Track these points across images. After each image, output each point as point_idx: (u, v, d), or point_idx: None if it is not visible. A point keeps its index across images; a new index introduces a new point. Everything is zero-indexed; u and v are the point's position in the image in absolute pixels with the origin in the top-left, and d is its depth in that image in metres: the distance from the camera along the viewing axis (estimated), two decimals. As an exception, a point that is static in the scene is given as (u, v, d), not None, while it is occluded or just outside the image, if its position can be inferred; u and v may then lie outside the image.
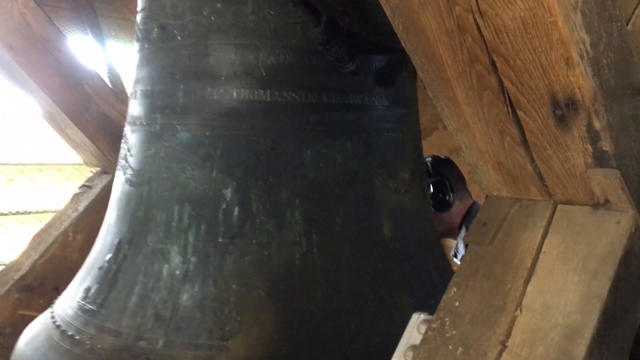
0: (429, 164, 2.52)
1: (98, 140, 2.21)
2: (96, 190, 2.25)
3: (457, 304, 1.04)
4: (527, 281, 1.00)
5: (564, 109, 0.94)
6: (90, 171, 2.40)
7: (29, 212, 3.29)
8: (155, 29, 1.58)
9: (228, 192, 1.44)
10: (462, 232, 2.63)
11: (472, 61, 0.97)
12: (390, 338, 1.12)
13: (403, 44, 1.05)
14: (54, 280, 2.08)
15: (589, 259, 0.97)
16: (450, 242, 2.85)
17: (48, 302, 1.74)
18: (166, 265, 1.44)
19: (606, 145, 0.94)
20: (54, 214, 2.37)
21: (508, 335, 0.96)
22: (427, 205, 1.72)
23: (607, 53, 0.93)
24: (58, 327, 1.50)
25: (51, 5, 3.33)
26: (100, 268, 1.55)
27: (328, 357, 1.34)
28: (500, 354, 0.95)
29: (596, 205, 1.01)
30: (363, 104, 1.53)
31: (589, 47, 0.89)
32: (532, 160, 1.04)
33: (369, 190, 1.51)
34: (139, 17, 1.67)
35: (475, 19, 0.91)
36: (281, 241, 1.42)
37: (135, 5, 3.53)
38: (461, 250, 2.69)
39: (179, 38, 1.53)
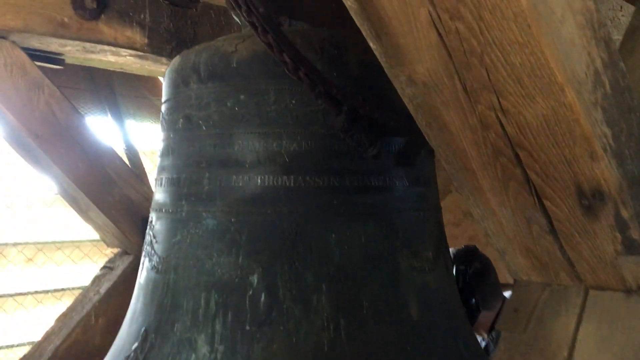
0: (458, 274, 2.43)
1: (120, 222, 2.24)
2: (117, 272, 2.26)
3: (494, 395, 1.03)
4: (566, 372, 0.99)
5: (590, 199, 0.95)
6: (111, 251, 2.42)
7: (48, 291, 3.30)
8: (181, 120, 1.63)
9: (254, 278, 1.45)
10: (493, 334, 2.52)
11: (497, 154, 0.99)
12: None
13: (426, 137, 1.08)
14: (77, 365, 2.07)
15: (626, 348, 0.96)
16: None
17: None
18: (194, 355, 1.43)
19: (635, 233, 0.95)
20: (73, 292, 2.38)
21: None
22: (452, 282, 1.71)
23: (629, 143, 0.95)
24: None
25: (71, 87, 3.45)
26: (127, 357, 1.54)
27: None
28: None
29: (629, 291, 1.01)
30: (385, 185, 1.55)
31: (611, 140, 0.92)
32: (561, 247, 1.05)
33: (394, 271, 1.51)
34: (164, 108, 1.72)
35: (498, 117, 0.94)
36: (309, 327, 1.41)
37: (153, 84, 3.64)
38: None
39: (204, 128, 1.57)
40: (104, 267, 2.35)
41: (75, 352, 2.09)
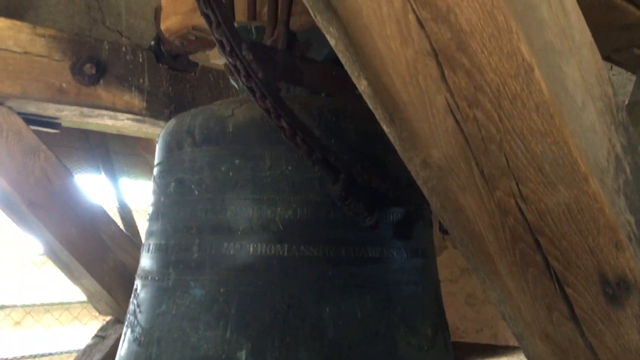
0: None
1: (113, 289, 2.17)
2: (110, 341, 2.18)
3: None
4: None
5: (615, 288, 0.92)
6: (103, 319, 2.34)
7: (36, 356, 3.18)
8: (173, 183, 1.59)
9: (242, 354, 1.38)
10: None
11: (515, 239, 0.96)
12: None
13: (440, 220, 1.05)
14: None
15: None
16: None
17: None
18: None
19: (663, 323, 0.91)
20: (61, 357, 2.28)
21: None
22: (450, 361, 1.65)
23: (652, 230, 0.92)
24: None
25: (65, 146, 3.43)
26: None
27: None
28: None
29: (656, 382, 0.96)
30: (382, 257, 1.51)
31: (635, 228, 0.89)
32: (583, 334, 1.00)
33: (391, 348, 1.45)
34: (156, 170, 1.68)
35: (517, 203, 0.91)
36: (302, 409, 1.34)
37: (147, 142, 3.62)
38: None
39: (196, 192, 1.53)
40: (96, 336, 2.26)
41: None
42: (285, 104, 1.23)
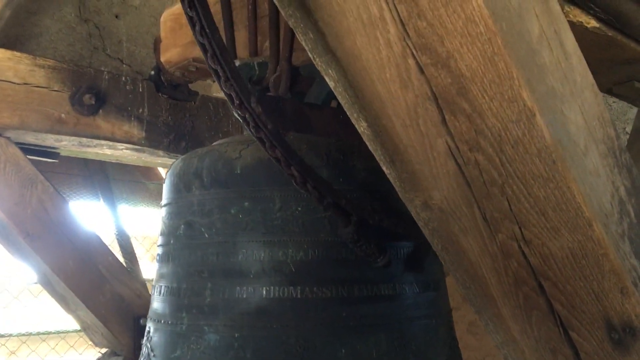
0: None
1: (109, 322, 2.14)
2: (106, 374, 2.14)
3: None
4: None
5: (621, 334, 0.89)
6: (99, 350, 2.30)
7: (31, 386, 3.13)
8: (182, 226, 1.57)
9: None
10: None
11: (519, 283, 0.94)
12: None
13: (442, 261, 1.03)
14: None
15: None
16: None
17: None
18: None
19: (671, 370, 0.89)
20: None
21: None
22: (464, 394, 1.62)
23: (658, 274, 0.90)
24: None
25: (64, 173, 3.42)
26: None
27: None
28: None
29: None
30: (395, 293, 1.49)
31: (640, 273, 0.87)
32: (589, 379, 0.98)
33: (406, 386, 1.43)
34: (164, 211, 1.67)
35: (520, 246, 0.90)
36: None
37: (147, 169, 3.61)
38: None
39: (207, 236, 1.51)
40: (92, 369, 2.22)
41: None
42: (295, 152, 1.23)
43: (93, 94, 2.05)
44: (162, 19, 2.11)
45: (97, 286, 2.12)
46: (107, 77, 2.14)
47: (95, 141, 2.12)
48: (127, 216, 3.61)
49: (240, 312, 1.41)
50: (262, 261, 1.43)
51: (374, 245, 1.37)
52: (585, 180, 0.82)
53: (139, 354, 1.61)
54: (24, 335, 3.39)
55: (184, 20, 1.16)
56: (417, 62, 0.79)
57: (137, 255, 3.48)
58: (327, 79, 0.90)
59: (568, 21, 0.94)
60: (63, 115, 2.02)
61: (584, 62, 0.88)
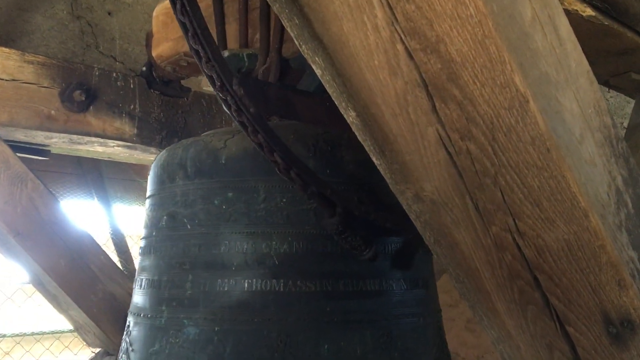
0: None
1: (102, 321, 2.11)
2: (99, 374, 2.11)
3: None
4: None
5: (619, 328, 0.87)
6: (92, 351, 2.27)
7: (25, 387, 3.10)
8: (165, 217, 1.55)
9: None
10: None
11: (513, 277, 0.91)
12: None
13: (434, 255, 1.01)
14: None
15: None
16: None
17: None
18: None
19: (670, 365, 0.87)
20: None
21: None
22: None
23: (656, 266, 0.87)
24: None
25: (57, 172, 3.39)
26: None
27: None
28: None
29: None
30: (381, 289, 1.46)
31: (638, 265, 0.85)
32: (586, 375, 0.95)
33: (392, 387, 1.40)
34: (147, 203, 1.64)
35: (514, 239, 0.87)
36: None
37: (141, 167, 3.58)
38: None
39: (189, 227, 1.48)
40: (85, 369, 2.19)
41: None
42: (279, 138, 1.20)
43: (83, 90, 2.02)
44: (154, 13, 2.08)
45: (89, 285, 2.09)
46: (97, 73, 2.11)
47: (86, 138, 2.09)
48: (122, 215, 3.58)
49: (221, 305, 1.38)
50: (245, 253, 1.39)
51: (360, 238, 1.33)
52: (581, 169, 0.80)
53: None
54: (18, 335, 3.36)
55: (175, 13, 1.14)
56: (405, 48, 0.76)
57: (132, 255, 3.46)
58: (314, 67, 0.87)
59: (563, 9, 0.91)
60: (53, 111, 1.99)
61: (579, 48, 0.85)
